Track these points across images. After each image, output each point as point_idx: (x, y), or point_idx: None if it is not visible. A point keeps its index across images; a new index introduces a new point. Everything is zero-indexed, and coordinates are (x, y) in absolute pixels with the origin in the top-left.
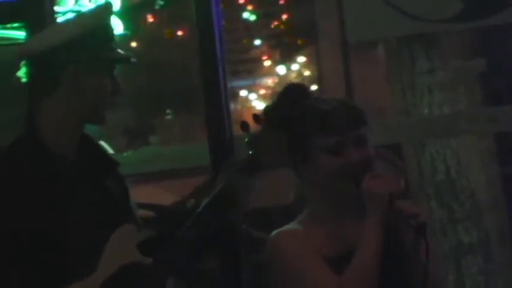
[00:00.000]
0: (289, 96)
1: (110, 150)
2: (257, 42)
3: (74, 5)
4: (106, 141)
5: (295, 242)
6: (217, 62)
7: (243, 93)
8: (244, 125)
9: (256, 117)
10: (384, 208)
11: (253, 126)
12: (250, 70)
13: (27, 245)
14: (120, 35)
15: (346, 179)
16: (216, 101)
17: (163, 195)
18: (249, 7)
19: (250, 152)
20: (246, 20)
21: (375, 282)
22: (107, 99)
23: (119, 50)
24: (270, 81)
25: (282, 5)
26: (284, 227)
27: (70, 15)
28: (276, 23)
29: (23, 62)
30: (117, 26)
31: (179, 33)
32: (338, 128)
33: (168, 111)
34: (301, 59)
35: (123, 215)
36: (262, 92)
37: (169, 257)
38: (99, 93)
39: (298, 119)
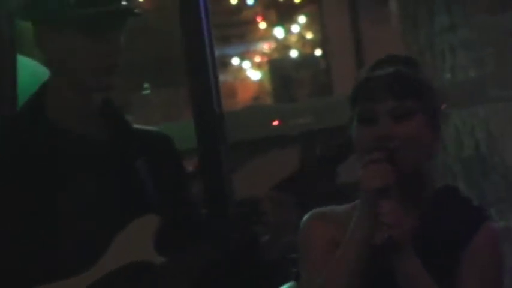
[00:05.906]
0: (374, 63)
1: None
2: (250, 1)
3: None
4: None
5: (315, 224)
6: (201, 25)
7: (234, 61)
8: None
9: None
10: (370, 204)
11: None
12: (242, 34)
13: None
14: None
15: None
16: (201, 72)
17: None
18: None
19: None
20: None
21: None
22: (99, 63)
23: (99, 8)
24: (266, 47)
25: None
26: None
27: None
28: None
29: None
30: None
31: None
32: (372, 95)
33: (145, 85)
34: (302, 19)
35: (148, 203)
36: (257, 59)
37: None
38: (79, 58)
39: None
